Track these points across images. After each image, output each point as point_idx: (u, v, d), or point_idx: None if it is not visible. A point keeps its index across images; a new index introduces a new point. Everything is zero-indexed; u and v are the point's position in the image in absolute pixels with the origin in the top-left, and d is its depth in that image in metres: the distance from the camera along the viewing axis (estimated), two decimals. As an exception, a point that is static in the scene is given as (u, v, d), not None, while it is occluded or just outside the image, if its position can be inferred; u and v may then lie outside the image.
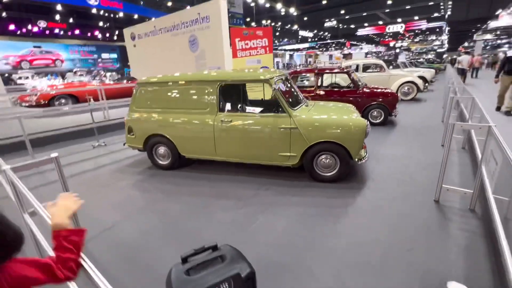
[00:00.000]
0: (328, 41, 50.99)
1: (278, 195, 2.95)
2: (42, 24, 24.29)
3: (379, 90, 5.82)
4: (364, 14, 35.67)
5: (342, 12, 35.84)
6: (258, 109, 3.41)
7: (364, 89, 5.85)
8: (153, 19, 11.60)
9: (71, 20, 26.65)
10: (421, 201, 2.69)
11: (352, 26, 41.80)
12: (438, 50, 46.84)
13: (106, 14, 26.53)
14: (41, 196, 1.40)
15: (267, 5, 28.90)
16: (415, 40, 57.40)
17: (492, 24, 33.05)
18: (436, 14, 37.02)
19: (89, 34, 29.82)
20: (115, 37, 30.12)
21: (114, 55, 32.41)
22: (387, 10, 34.69)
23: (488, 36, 44.86)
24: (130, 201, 2.99)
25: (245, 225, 2.43)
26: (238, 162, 3.46)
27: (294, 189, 3.07)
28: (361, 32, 38.36)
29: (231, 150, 3.37)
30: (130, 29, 13.23)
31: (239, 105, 3.68)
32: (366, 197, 2.82)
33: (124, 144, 4.04)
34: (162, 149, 3.77)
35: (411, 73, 9.96)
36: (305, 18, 38.52)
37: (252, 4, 28.49)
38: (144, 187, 3.34)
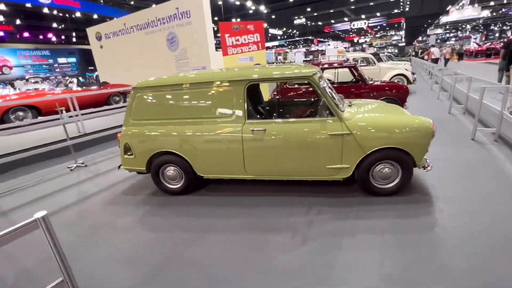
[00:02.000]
0: (297, 38, 51.66)
1: (337, 220, 2.37)
2: (-18, 26, 21.15)
3: (388, 83, 5.51)
4: (331, 11, 36.47)
5: (309, 9, 36.27)
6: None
7: (372, 83, 5.50)
8: (114, 19, 10.37)
9: (18, 22, 23.59)
10: None
11: (320, 23, 42.67)
12: (400, 44, 49.66)
13: (61, 14, 23.88)
14: None
15: (237, 2, 28.21)
16: (377, 35, 60.40)
17: (444, 19, 35.50)
18: (396, 10, 38.97)
19: (41, 37, 26.74)
20: (74, 39, 27.37)
21: (73, 59, 29.46)
22: (352, 7, 35.77)
23: (439, 31, 48.46)
24: (145, 249, 2.21)
25: (323, 272, 1.81)
26: (271, 179, 2.82)
27: (351, 209, 2.51)
28: (340, 27, 39.26)
29: (266, 166, 2.71)
30: (95, 28, 11.76)
31: (269, 109, 3.04)
32: (444, 212, 2.35)
33: (119, 167, 3.18)
34: (171, 170, 3.00)
35: (397, 65, 10.02)
36: (273, 16, 38.35)
37: (220, 2, 27.57)
38: (158, 225, 2.56)
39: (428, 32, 47.86)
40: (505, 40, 9.66)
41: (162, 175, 3.05)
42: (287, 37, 50.37)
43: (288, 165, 2.67)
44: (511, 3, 30.12)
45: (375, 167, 2.59)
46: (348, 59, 8.86)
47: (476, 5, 28.31)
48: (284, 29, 44.89)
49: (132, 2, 24.93)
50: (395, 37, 57.47)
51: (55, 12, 23.16)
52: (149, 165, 3.01)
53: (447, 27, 46.30)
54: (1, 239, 1.08)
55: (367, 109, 2.91)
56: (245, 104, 2.65)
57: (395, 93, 5.29)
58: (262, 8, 31.02)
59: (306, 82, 2.61)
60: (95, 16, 24.57)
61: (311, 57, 31.55)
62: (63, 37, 28.68)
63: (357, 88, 5.47)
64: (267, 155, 2.66)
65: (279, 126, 2.61)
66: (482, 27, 48.89)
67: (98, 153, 5.11)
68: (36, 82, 20.32)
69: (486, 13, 30.58)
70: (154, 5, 24.45)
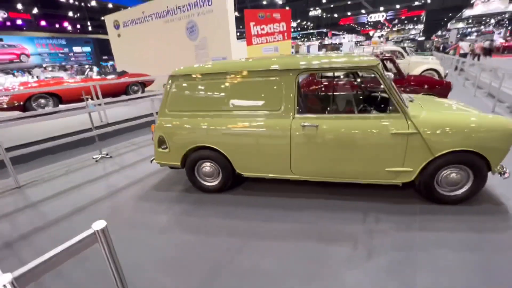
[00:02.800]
0: (311, 31, 50.42)
1: (401, 230, 2.09)
2: (2, 14, 21.37)
3: (428, 78, 5.10)
4: (349, 2, 35.25)
5: (324, 1, 35.12)
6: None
7: (411, 77, 5.11)
8: (129, 8, 10.13)
9: (35, 10, 23.76)
10: None
11: (336, 15, 41.41)
12: (418, 39, 47.93)
13: (77, 3, 23.91)
14: None
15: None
16: (394, 29, 58.42)
17: (467, 12, 33.91)
18: (417, 3, 37.37)
19: (57, 26, 26.94)
20: (90, 28, 27.46)
21: (88, 49, 29.64)
22: (372, -2, 34.42)
23: (461, 25, 46.43)
24: (189, 254, 2.00)
25: (401, 293, 1.56)
26: (318, 180, 2.56)
27: (413, 218, 2.23)
28: (358, 19, 38.00)
29: (315, 167, 2.45)
30: (113, 16, 11.58)
31: (325, 103, 2.75)
32: (527, 226, 2.05)
33: (151, 161, 2.98)
34: (208, 166, 2.77)
35: (427, 59, 9.47)
36: (287, 7, 37.45)
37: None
38: (197, 226, 2.35)
39: (449, 26, 45.84)
40: None
41: (197, 171, 2.84)
42: (300, 29, 49.23)
43: (341, 166, 2.39)
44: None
45: (442, 171, 2.29)
46: (382, 52, 8.39)
47: (503, -3, 26.79)
48: (299, 21, 43.81)
49: None
50: (413, 31, 55.39)
51: (71, 1, 23.18)
52: (184, 160, 2.80)
53: (470, 21, 44.25)
54: (59, 257, 0.86)
55: (433, 105, 2.59)
56: (296, 97, 2.38)
57: (437, 89, 4.90)
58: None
59: (371, 73, 2.30)
60: (110, 5, 24.50)
61: (324, 50, 30.78)
62: (78, 26, 28.83)
63: (395, 82, 5.09)
64: (318, 154, 2.39)
65: (333, 122, 2.33)
66: (507, 22, 46.48)
67: (121, 143, 4.96)
68: (53, 70, 20.51)
69: (513, 6, 28.93)
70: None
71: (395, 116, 2.24)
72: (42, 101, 6.43)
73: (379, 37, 52.51)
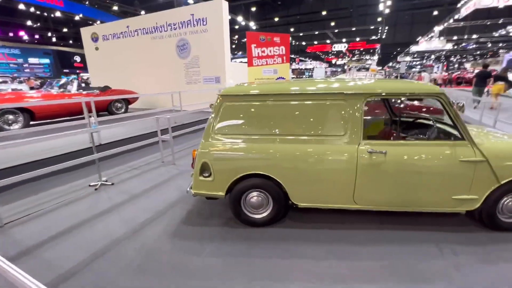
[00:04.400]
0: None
1: (487, 263, 2.01)
2: None
3: (425, 106, 5.48)
4: (316, 32, 38.19)
5: (292, 30, 37.60)
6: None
7: (408, 104, 5.44)
8: (98, 22, 9.59)
9: (-14, 15, 21.35)
10: None
11: (304, 43, 44.42)
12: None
13: (38, 12, 22.05)
14: None
15: (228, 17, 28.34)
16: (353, 59, 64.44)
17: (413, 48, 38.76)
18: (373, 37, 41.83)
19: (11, 34, 24.45)
20: (54, 39, 25.41)
21: (46, 60, 27.19)
22: (336, 30, 37.68)
23: (408, 58, 52.85)
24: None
25: None
26: (378, 210, 2.42)
27: (488, 248, 2.17)
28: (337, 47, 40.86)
29: (381, 196, 2.31)
30: (91, 28, 10.79)
31: (390, 129, 2.68)
32: None
33: (188, 191, 2.56)
34: (257, 197, 2.47)
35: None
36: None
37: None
38: (261, 270, 2.00)
39: (399, 59, 51.94)
40: (477, 70, 11.20)
41: (244, 203, 2.51)
42: (271, 54, 51.62)
43: (408, 195, 2.29)
44: (470, 39, 33.60)
45: (505, 198, 2.31)
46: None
47: (442, 38, 31.15)
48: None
49: (115, 8, 23.73)
50: (369, 61, 61.64)
51: (32, 9, 21.36)
52: (230, 189, 2.46)
53: (415, 55, 50.69)
54: None
55: (493, 133, 2.67)
56: (362, 122, 2.27)
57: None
58: (252, 24, 31.53)
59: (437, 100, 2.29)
60: (77, 18, 23.09)
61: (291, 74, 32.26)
62: (36, 36, 26.50)
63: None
64: (385, 182, 2.27)
65: (402, 148, 2.25)
66: (444, 58, 54.12)
67: (118, 168, 4.35)
68: (5, 82, 18.21)
69: (449, 45, 33.77)
70: (143, 12, 23.67)
71: (461, 143, 2.23)
72: (11, 117, 5.49)
73: (342, 65, 57.13)
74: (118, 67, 9.98)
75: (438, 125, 2.68)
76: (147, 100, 9.58)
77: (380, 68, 53.59)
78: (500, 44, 37.76)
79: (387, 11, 26.39)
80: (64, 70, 27.94)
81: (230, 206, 2.50)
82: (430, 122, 2.82)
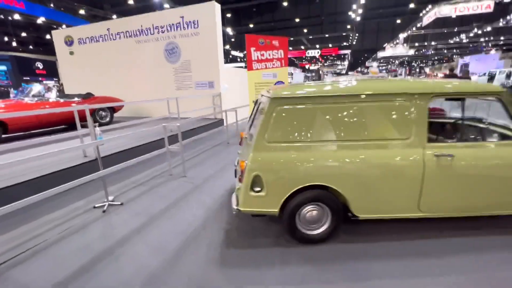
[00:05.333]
0: (256, 62, 53.70)
1: None
2: None
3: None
4: (291, 39, 39.10)
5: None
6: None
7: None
8: (63, 26, 8.77)
9: None
10: None
11: (279, 49, 45.26)
12: (343, 73, 56.00)
13: (-7, 14, 19.89)
14: None
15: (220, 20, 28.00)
16: (325, 64, 66.99)
17: (380, 54, 41.15)
18: (345, 43, 43.79)
19: (-41, 38, 21.82)
20: (14, 44, 23.11)
21: (3, 67, 24.55)
22: (311, 37, 38.86)
23: (375, 64, 56.22)
24: None
25: None
26: (443, 217, 2.27)
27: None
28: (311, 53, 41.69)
29: (449, 201, 2.16)
30: (64, 31, 9.82)
31: (449, 130, 2.54)
32: None
33: (235, 210, 2.21)
34: (313, 211, 2.20)
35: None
36: (232, 39, 39.22)
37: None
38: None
39: (367, 64, 54.95)
40: (442, 74, 11.87)
41: (299, 218, 2.22)
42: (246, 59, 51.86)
43: (477, 199, 2.17)
44: (430, 45, 36.49)
45: None
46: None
47: (405, 45, 33.43)
48: (245, 52, 46.23)
49: (82, 11, 22.23)
50: (340, 67, 64.48)
51: (-15, 11, 19.26)
52: (284, 205, 2.16)
53: (381, 61, 53.96)
54: None
55: None
56: (427, 123, 2.12)
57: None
58: (229, 30, 31.43)
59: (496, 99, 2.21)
60: (40, 21, 21.27)
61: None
62: (-10, 40, 23.90)
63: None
64: (452, 187, 2.13)
65: (469, 150, 2.13)
66: (406, 63, 58.22)
67: (120, 184, 3.83)
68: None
69: (412, 52, 36.37)
70: (115, 16, 22.45)
71: (524, 142, 2.17)
72: (-22, 130, 4.66)
73: (315, 70, 58.97)
74: (97, 72, 9.17)
75: (492, 126, 2.63)
76: (134, 108, 8.89)
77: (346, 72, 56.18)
78: (454, 50, 41.39)
79: (355, 19, 27.75)
80: (25, 78, 25.47)
81: (285, 223, 2.20)
82: (479, 124, 2.76)
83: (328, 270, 1.97)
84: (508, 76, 18.05)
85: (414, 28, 28.37)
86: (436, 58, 50.57)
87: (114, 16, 21.53)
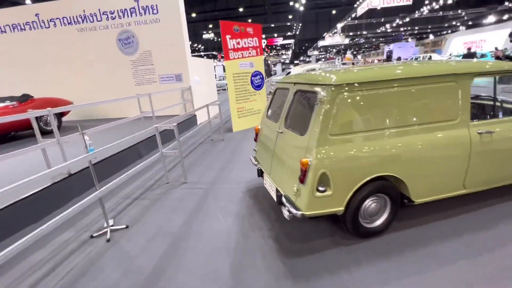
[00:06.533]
0: (202, 53, 51.66)
1: None
2: None
3: None
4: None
5: (210, 26, 37.00)
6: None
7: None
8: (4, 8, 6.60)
9: None
10: None
11: (225, 39, 44.27)
12: (287, 62, 58.11)
13: None
14: None
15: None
16: (271, 54, 68.42)
17: (320, 43, 43.90)
18: (289, 33, 45.17)
19: None
20: None
21: None
22: (256, 27, 38.70)
23: (316, 52, 59.65)
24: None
25: None
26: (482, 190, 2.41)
27: None
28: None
29: (490, 175, 2.30)
30: None
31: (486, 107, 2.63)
32: None
33: (292, 215, 1.93)
34: (373, 202, 2.09)
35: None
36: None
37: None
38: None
39: (309, 53, 57.99)
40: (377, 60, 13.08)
41: (361, 213, 2.09)
42: (192, 51, 49.43)
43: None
44: (362, 35, 40.20)
45: None
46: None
47: (341, 34, 36.22)
48: (190, 42, 43.88)
49: None
50: (284, 56, 66.68)
51: None
52: (350, 201, 2.00)
53: (321, 50, 57.52)
54: None
55: None
56: (469, 103, 2.17)
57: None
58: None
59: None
60: None
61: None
62: None
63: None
64: (494, 161, 2.26)
65: (505, 125, 2.27)
66: (342, 51, 63.29)
67: (110, 201, 3.14)
68: None
69: (347, 40, 39.61)
70: (29, 1, 18.81)
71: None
72: None
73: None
74: (24, 69, 7.44)
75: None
76: (85, 110, 7.55)
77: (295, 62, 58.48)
78: (381, 39, 46.39)
79: (298, 9, 28.72)
80: None
81: (349, 220, 2.04)
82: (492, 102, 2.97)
83: (404, 261, 1.89)
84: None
85: (349, 19, 30.62)
86: (366, 46, 55.92)
87: (28, 1, 17.98)
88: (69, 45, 7.17)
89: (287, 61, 66.21)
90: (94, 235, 2.46)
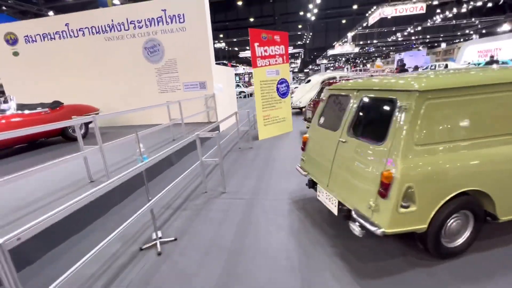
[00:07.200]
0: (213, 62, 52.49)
1: None
2: None
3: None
4: (248, 38, 39.00)
5: (221, 35, 37.60)
6: None
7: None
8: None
9: None
10: None
11: (236, 48, 44.85)
12: (295, 71, 58.34)
13: None
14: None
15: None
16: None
17: (330, 52, 43.96)
18: (299, 42, 45.52)
19: None
20: None
21: None
22: (266, 36, 39.13)
23: (325, 61, 59.77)
24: None
25: None
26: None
27: None
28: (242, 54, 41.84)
29: None
30: (4, 27, 7.81)
31: None
32: None
33: (382, 233, 1.77)
34: (455, 220, 1.91)
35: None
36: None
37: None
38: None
39: (317, 61, 58.14)
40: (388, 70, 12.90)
41: (444, 231, 1.91)
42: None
43: None
44: (371, 44, 40.09)
45: None
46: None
47: (352, 43, 36.20)
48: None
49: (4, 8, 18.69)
50: (293, 65, 67.14)
51: None
52: (435, 217, 1.82)
53: (330, 58, 57.66)
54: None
55: None
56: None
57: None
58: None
59: None
60: None
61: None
62: None
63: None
64: None
65: None
66: (351, 60, 63.21)
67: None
68: None
69: (357, 49, 39.58)
70: (51, 13, 19.50)
71: None
72: None
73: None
74: (54, 76, 7.58)
75: None
76: (109, 117, 7.60)
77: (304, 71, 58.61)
78: (391, 48, 46.18)
79: (306, 19, 28.92)
80: None
81: (430, 239, 1.86)
82: None
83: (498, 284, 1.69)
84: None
85: (360, 28, 30.65)
86: (376, 55, 55.74)
87: (51, 13, 18.67)
88: (96, 53, 7.28)
89: (296, 70, 66.65)
90: (143, 248, 2.34)
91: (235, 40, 38.98)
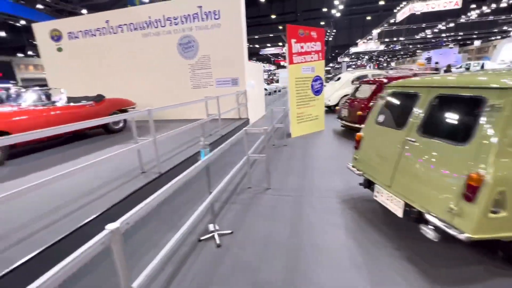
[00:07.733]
0: (232, 59, 52.72)
1: None
2: None
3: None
4: (271, 35, 38.73)
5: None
6: None
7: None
8: (22, 21, 7.17)
9: None
10: None
11: (257, 45, 44.80)
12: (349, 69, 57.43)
13: None
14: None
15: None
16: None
17: (352, 49, 42.63)
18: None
19: None
20: None
21: None
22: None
23: (347, 59, 58.08)
24: None
25: None
26: None
27: None
28: (273, 50, 41.63)
29: None
30: (49, 24, 8.30)
31: None
32: None
33: (467, 238, 1.69)
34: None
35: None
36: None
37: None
38: None
39: (339, 59, 56.67)
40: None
41: (526, 239, 1.78)
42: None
43: None
44: (398, 41, 38.50)
45: None
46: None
47: (377, 40, 34.92)
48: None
49: (40, 6, 19.62)
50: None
51: None
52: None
53: (352, 56, 56.03)
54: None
55: None
56: None
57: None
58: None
59: None
60: (-8, 15, 18.43)
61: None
62: None
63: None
64: None
65: None
66: (374, 58, 61.07)
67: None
68: None
69: (382, 47, 38.07)
70: (84, 11, 20.34)
71: None
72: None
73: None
74: (93, 71, 7.94)
75: None
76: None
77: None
78: (418, 45, 44.08)
79: (329, 15, 28.19)
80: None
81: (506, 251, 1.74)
82: None
83: None
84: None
85: (386, 24, 29.47)
86: (402, 53, 53.47)
87: (84, 11, 19.52)
88: (133, 49, 7.52)
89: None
90: (201, 239, 2.38)
91: (256, 37, 38.88)
